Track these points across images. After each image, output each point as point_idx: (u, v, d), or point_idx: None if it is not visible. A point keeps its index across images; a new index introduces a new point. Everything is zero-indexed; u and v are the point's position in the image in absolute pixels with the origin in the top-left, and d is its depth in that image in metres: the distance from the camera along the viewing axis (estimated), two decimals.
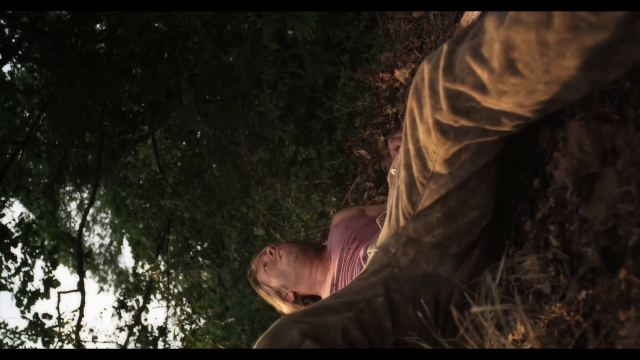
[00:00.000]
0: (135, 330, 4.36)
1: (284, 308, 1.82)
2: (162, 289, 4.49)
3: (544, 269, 0.94)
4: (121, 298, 4.86)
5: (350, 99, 3.26)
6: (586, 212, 0.84)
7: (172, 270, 4.55)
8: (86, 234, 6.97)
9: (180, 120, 3.82)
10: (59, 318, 3.49)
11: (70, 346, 3.38)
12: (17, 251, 4.21)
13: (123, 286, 6.81)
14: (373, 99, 3.07)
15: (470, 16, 1.51)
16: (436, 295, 1.09)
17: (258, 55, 3.48)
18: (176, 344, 4.05)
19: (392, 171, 1.25)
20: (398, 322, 1.05)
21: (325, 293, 1.70)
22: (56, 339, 3.55)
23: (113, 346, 3.71)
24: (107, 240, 7.57)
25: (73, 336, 3.31)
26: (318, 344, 0.95)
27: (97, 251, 7.51)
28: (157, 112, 3.79)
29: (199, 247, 4.66)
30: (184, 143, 4.43)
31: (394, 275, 1.11)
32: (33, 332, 3.90)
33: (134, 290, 4.80)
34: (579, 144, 0.84)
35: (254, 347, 1.02)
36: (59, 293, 3.77)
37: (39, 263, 4.44)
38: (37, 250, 4.33)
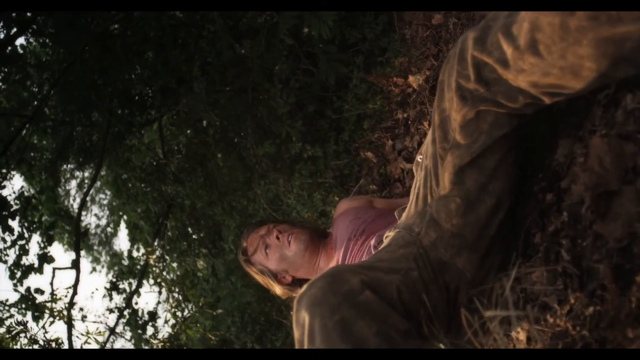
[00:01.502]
0: (125, 313, 4.36)
1: (277, 289, 1.78)
2: (156, 274, 4.49)
3: (552, 282, 0.95)
4: (114, 280, 4.85)
5: (360, 100, 3.27)
6: (601, 229, 0.84)
7: (167, 257, 4.55)
8: (83, 213, 6.96)
9: (188, 107, 3.82)
10: (52, 294, 3.49)
11: (61, 323, 3.38)
12: (14, 224, 4.22)
13: (116, 268, 6.81)
14: (384, 102, 3.08)
15: None
16: (447, 284, 1.11)
17: (272, 49, 3.48)
18: (166, 330, 4.06)
19: (419, 158, 1.26)
20: (429, 298, 1.06)
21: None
22: (47, 315, 3.54)
23: (102, 327, 3.71)
24: (103, 222, 7.56)
25: (65, 313, 3.31)
26: (377, 296, 0.94)
27: (93, 232, 7.50)
28: (166, 97, 3.79)
29: (195, 237, 4.65)
30: (188, 131, 4.43)
31: (420, 254, 1.13)
32: (23, 305, 3.89)
33: (127, 273, 4.80)
34: (600, 160, 0.84)
35: (308, 286, 0.98)
36: (54, 269, 3.77)
37: (35, 238, 4.44)
38: (34, 225, 4.33)
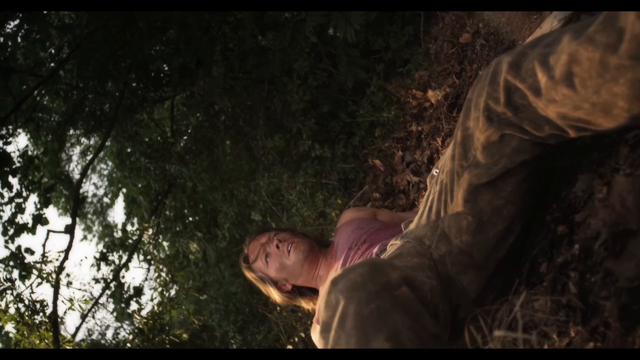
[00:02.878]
0: (111, 285, 4.35)
1: (276, 296, 1.80)
2: (148, 251, 4.48)
3: (554, 312, 0.95)
4: (104, 251, 4.85)
5: (376, 108, 3.27)
6: (613, 266, 0.84)
7: (161, 235, 4.54)
8: (82, 180, 6.94)
9: (204, 90, 3.82)
10: (44, 255, 3.49)
11: (47, 286, 3.38)
12: (14, 181, 4.22)
13: (107, 239, 6.80)
14: (399, 113, 3.08)
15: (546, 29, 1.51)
16: (451, 299, 1.11)
17: (295, 45, 3.49)
18: (150, 307, 4.06)
19: (435, 172, 1.27)
20: (442, 309, 1.07)
21: (323, 288, 1.69)
22: (34, 276, 3.54)
23: (87, 295, 3.71)
24: (101, 192, 7.54)
25: (53, 276, 3.30)
26: (414, 294, 0.94)
27: (89, 200, 7.49)
28: (183, 77, 3.79)
29: (190, 219, 4.65)
30: (198, 114, 4.43)
31: (430, 267, 1.14)
32: (12, 263, 3.89)
33: (118, 246, 4.80)
34: (622, 199, 0.85)
35: (345, 271, 0.98)
36: (48, 231, 3.77)
37: (33, 198, 4.43)
38: (33, 185, 4.33)
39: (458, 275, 1.14)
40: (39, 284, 3.35)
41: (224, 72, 3.58)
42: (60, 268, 3.26)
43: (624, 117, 0.86)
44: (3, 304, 3.14)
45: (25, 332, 3.08)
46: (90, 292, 4.11)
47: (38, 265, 3.36)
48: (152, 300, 4.04)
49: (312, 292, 1.80)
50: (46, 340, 3.09)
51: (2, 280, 3.27)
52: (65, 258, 3.32)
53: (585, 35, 0.83)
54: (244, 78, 3.74)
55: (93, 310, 3.75)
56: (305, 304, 1.85)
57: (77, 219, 7.70)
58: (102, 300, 4.40)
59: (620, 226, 0.84)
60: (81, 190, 6.68)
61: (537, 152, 1.04)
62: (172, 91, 4.14)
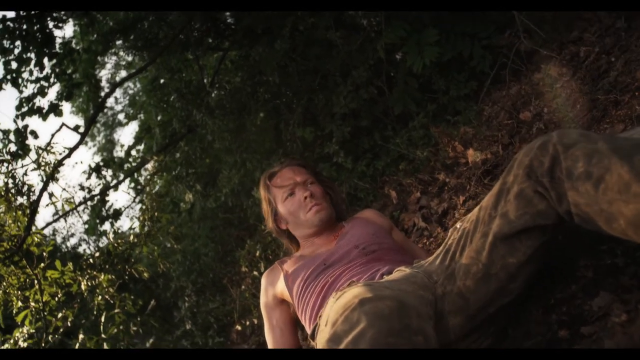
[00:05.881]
0: (95, 198, 4.35)
1: (270, 221, 1.78)
2: (142, 181, 4.48)
3: None
4: (100, 164, 4.85)
5: (411, 142, 3.27)
6: None
7: (163, 173, 4.54)
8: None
9: (260, 56, 3.83)
10: (49, 144, 3.48)
11: (36, 174, 3.36)
12: (48, 65, 4.23)
13: (105, 154, 6.80)
14: (431, 156, 3.08)
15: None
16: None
17: (362, 52, 3.50)
18: (122, 231, 4.04)
19: (458, 224, 1.28)
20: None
21: (306, 253, 1.67)
22: (29, 159, 3.53)
23: (71, 198, 3.68)
24: (118, 107, 7.53)
25: (50, 168, 3.30)
26: (425, 343, 0.97)
27: (105, 110, 7.48)
28: (246, 37, 3.80)
29: (193, 170, 4.66)
30: (239, 76, 4.43)
31: (431, 302, 1.17)
32: (12, 138, 3.88)
33: (117, 165, 4.79)
34: None
35: (375, 295, 1.01)
36: (63, 124, 3.76)
37: (56, 88, 4.43)
38: (63, 76, 4.33)
39: (449, 315, 1.17)
40: (35, 169, 3.35)
41: (286, 48, 3.59)
42: (60, 163, 3.26)
43: (618, 233, 0.96)
44: None
45: (3, 208, 3.08)
46: (72, 197, 4.09)
47: (40, 152, 3.35)
48: (131, 229, 4.03)
49: (298, 244, 1.80)
50: (19, 224, 3.08)
51: (4, 152, 3.26)
52: (68, 156, 3.32)
53: (631, 157, 0.93)
54: (302, 63, 3.75)
55: (70, 214, 3.74)
56: (287, 244, 1.85)
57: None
58: (80, 208, 4.40)
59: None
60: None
61: (558, 223, 1.10)
62: (229, 45, 4.15)
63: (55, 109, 4.31)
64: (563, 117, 2.21)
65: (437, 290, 1.20)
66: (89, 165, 4.65)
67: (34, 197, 3.17)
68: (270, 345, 1.66)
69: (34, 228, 3.13)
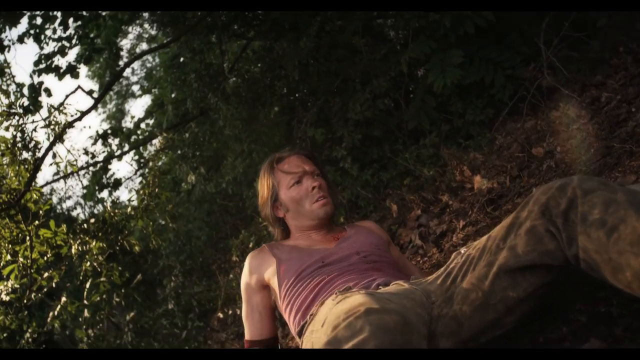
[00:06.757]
0: (98, 165, 4.35)
1: (267, 207, 1.71)
2: (147, 156, 4.49)
3: None
4: (108, 131, 4.86)
5: (419, 159, 3.28)
6: None
7: (169, 151, 4.54)
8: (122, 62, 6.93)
9: (283, 50, 3.83)
10: (62, 104, 3.48)
11: (44, 131, 3.36)
12: (72, 25, 4.23)
13: (114, 122, 6.80)
14: (437, 176, 3.09)
15: None
16: None
17: (385, 63, 3.50)
18: (120, 202, 4.05)
19: (463, 250, 1.28)
20: None
21: (302, 246, 1.64)
22: (39, 116, 3.53)
23: (76, 160, 3.69)
24: (134, 79, 7.54)
25: (60, 128, 3.30)
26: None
27: (120, 80, 7.48)
28: (273, 30, 3.80)
29: (198, 153, 4.65)
30: (258, 66, 4.43)
31: (427, 322, 1.17)
32: (26, 93, 3.88)
33: (124, 135, 4.79)
34: None
35: (382, 308, 1.03)
36: (79, 86, 3.76)
37: (77, 50, 4.43)
38: (86, 39, 4.34)
39: (441, 337, 1.17)
40: (44, 126, 3.35)
41: (310, 47, 3.59)
42: (70, 124, 3.27)
43: (622, 285, 0.96)
44: (4, 126, 3.14)
45: (8, 159, 3.07)
46: (76, 160, 4.09)
47: (52, 110, 3.35)
48: (129, 201, 4.04)
49: (289, 234, 1.75)
50: (20, 178, 3.08)
51: (17, 105, 3.26)
52: (79, 119, 3.32)
53: None
54: (324, 63, 3.76)
55: (71, 176, 3.74)
56: (278, 234, 1.78)
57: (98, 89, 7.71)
58: (81, 172, 4.40)
59: None
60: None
61: (564, 266, 1.09)
62: (254, 35, 4.15)
63: (72, 70, 4.32)
64: (576, 159, 2.21)
65: (434, 311, 1.20)
66: (97, 132, 4.66)
67: (39, 154, 3.18)
68: (247, 328, 1.62)
69: (34, 185, 3.13)
